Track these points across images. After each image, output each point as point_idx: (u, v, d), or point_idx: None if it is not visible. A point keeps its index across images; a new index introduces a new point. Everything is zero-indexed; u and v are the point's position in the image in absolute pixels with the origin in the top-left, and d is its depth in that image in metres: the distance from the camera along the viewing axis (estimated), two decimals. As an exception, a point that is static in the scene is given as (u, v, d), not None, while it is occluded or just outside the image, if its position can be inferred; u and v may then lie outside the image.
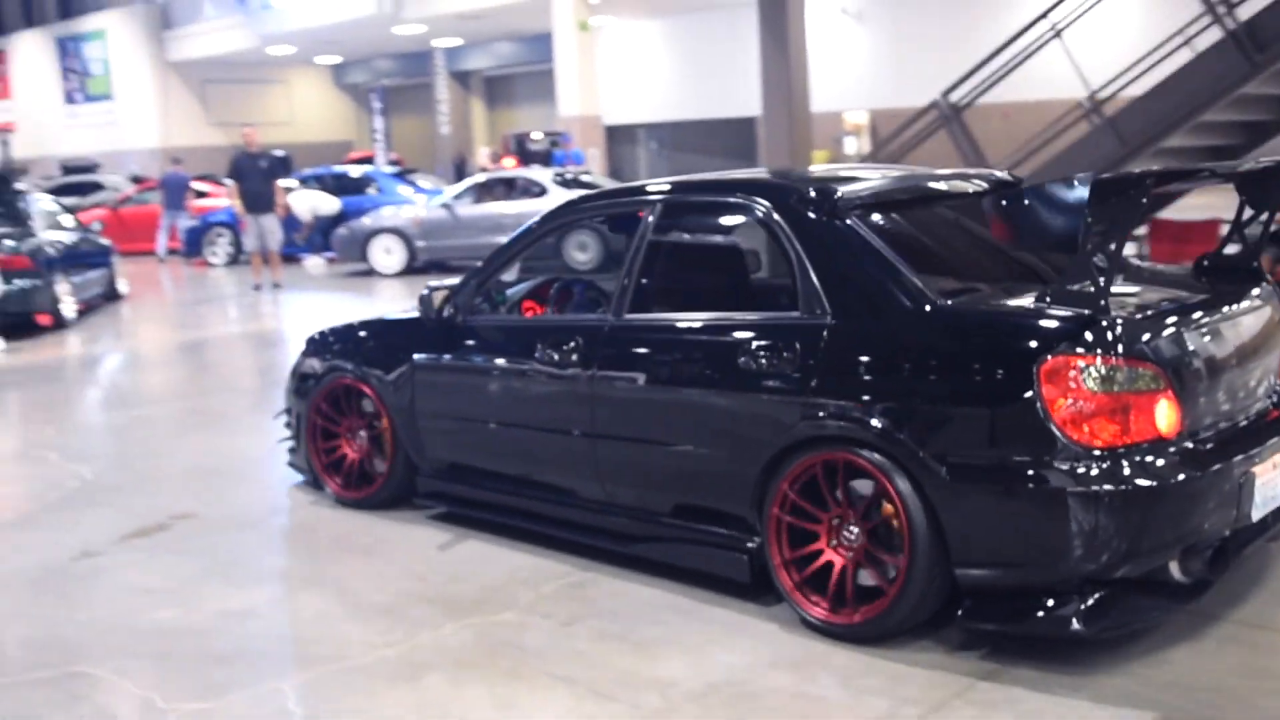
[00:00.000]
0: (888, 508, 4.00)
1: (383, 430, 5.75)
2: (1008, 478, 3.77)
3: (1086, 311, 3.77)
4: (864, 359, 4.10)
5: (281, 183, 19.05)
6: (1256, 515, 4.00)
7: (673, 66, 29.51)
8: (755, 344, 4.32)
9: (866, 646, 4.06)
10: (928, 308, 4.04)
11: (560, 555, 5.04)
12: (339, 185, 19.20)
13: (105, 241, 15.27)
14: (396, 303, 13.15)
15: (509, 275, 5.89)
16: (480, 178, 17.42)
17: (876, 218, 4.42)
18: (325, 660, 4.22)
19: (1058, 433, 3.72)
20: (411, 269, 16.76)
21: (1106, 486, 3.66)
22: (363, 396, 5.83)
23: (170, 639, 4.48)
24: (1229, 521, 3.90)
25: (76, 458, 7.32)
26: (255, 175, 15.58)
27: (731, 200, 4.81)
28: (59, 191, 23.40)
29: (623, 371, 4.75)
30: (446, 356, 5.48)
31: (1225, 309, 4.23)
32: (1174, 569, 3.88)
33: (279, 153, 25.29)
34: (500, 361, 5.28)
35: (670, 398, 4.62)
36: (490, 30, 30.35)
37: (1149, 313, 4.07)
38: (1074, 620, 3.76)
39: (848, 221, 4.33)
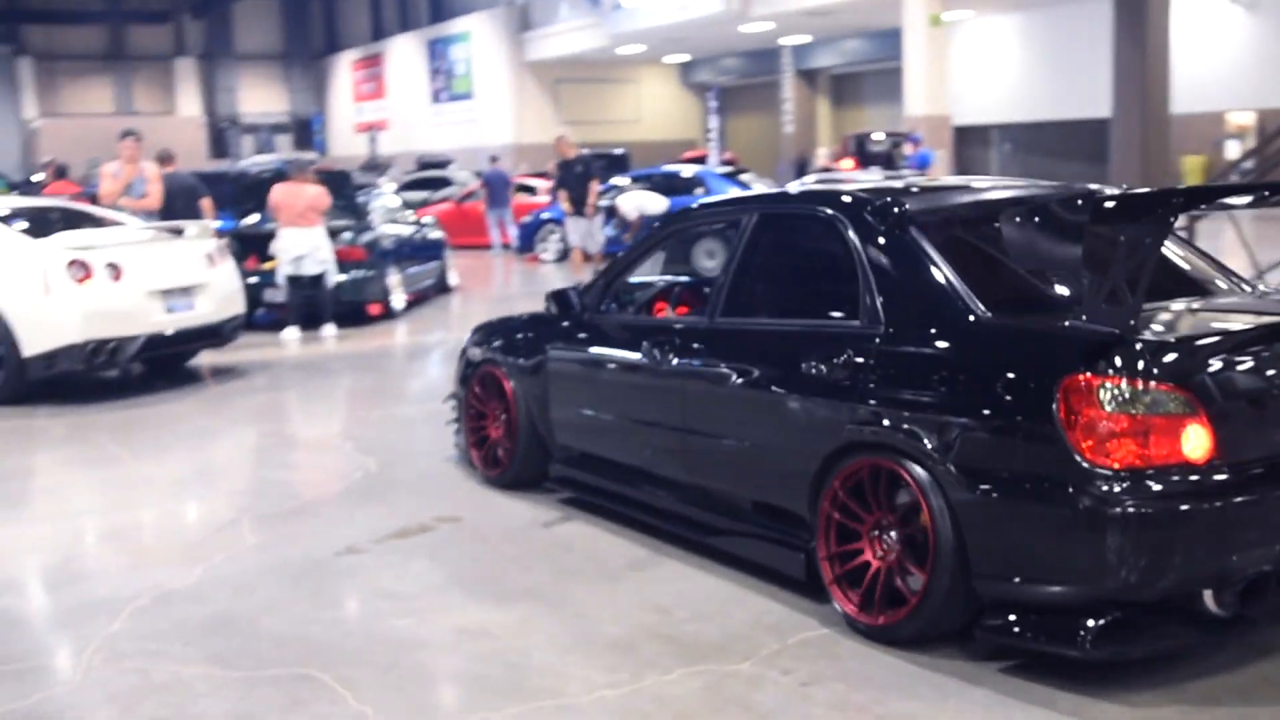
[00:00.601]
0: (924, 516, 4.05)
1: (511, 418, 6.24)
2: (1025, 493, 3.82)
3: (1114, 331, 3.76)
4: (907, 369, 4.24)
5: (616, 180, 19.32)
6: None
7: (1030, 63, 28.07)
8: (818, 350, 4.53)
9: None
10: (971, 320, 4.15)
11: (814, 605, 4.57)
12: (668, 185, 19.20)
13: (439, 235, 15.82)
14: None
15: (636, 276, 6.27)
16: (809, 180, 16.96)
17: (944, 233, 4.51)
18: (541, 694, 3.94)
19: (1075, 451, 3.72)
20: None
21: (1121, 509, 3.64)
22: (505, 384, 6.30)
23: (400, 650, 4.33)
24: (1270, 557, 3.77)
25: (368, 449, 7.43)
26: (572, 179, 16.05)
27: (813, 212, 4.96)
28: (412, 186, 24.68)
29: (709, 370, 5.06)
30: (572, 351, 5.94)
31: None
32: (1208, 599, 3.80)
33: (618, 151, 25.77)
34: (616, 357, 5.68)
35: (745, 397, 4.88)
36: (838, 27, 29.84)
37: (1189, 336, 4.03)
38: (1084, 640, 3.75)
39: (910, 234, 4.46)
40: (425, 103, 43.15)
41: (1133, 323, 3.77)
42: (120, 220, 10.33)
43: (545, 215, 20.00)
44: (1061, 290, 4.29)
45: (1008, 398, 3.90)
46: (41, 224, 9.66)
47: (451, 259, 16.17)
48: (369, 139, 42.48)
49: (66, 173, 15.77)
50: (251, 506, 6.28)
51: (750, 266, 5.17)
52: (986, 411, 3.93)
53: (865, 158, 23.67)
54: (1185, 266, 4.88)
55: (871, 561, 4.27)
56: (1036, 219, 4.55)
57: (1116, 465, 3.69)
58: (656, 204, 18.32)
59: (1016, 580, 3.88)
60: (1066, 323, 3.96)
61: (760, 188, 19.06)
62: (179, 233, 9.89)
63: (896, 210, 4.52)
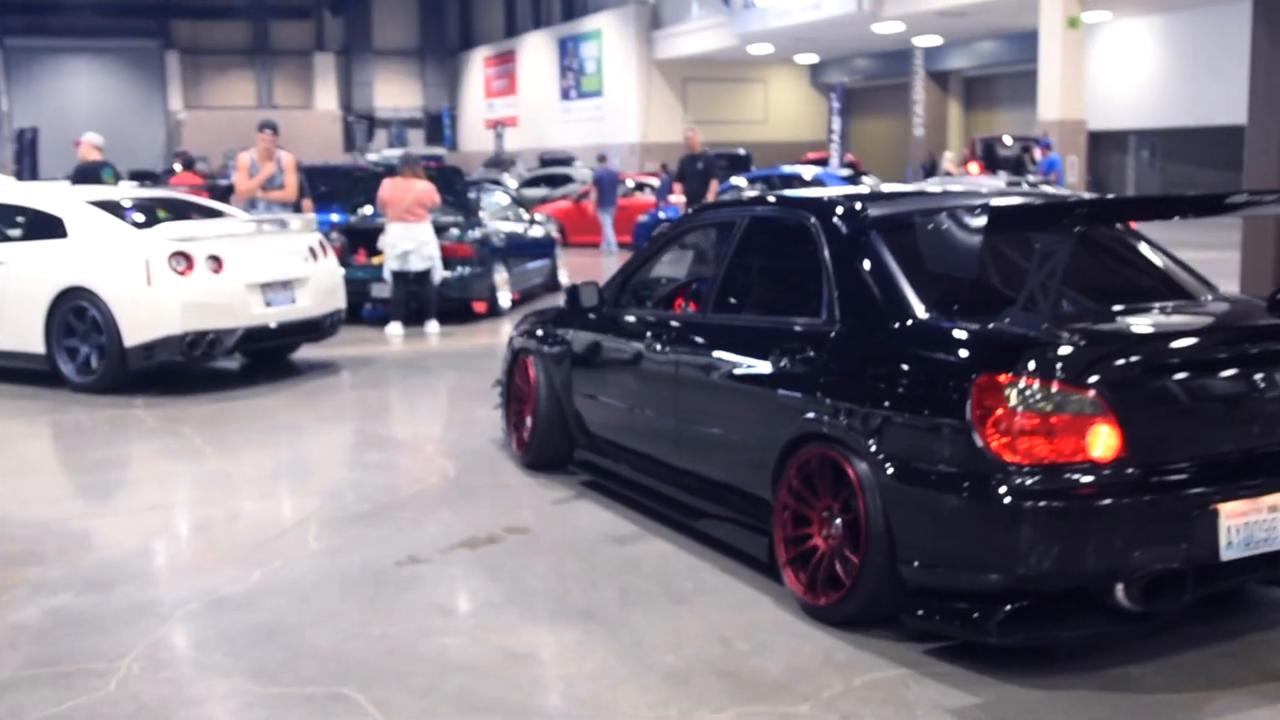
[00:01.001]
0: (859, 504, 4.26)
1: (534, 402, 6.64)
2: (943, 485, 4.00)
3: (1026, 334, 3.97)
4: (852, 365, 4.52)
5: (735, 180, 19.01)
6: (1228, 555, 3.94)
7: (1169, 67, 26.98)
8: (785, 345, 4.82)
9: None
10: (908, 321, 4.41)
11: (888, 643, 4.24)
12: (785, 187, 18.83)
13: (550, 233, 15.69)
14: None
15: (654, 273, 6.62)
16: (929, 184, 16.43)
17: (901, 237, 4.74)
18: (580, 731, 3.69)
19: (986, 447, 3.90)
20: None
21: (1026, 503, 3.80)
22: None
23: (444, 672, 4.12)
24: (1176, 556, 3.89)
25: (450, 452, 7.27)
26: (694, 175, 15.85)
27: (791, 216, 5.24)
28: (534, 183, 24.70)
29: (697, 362, 5.36)
30: (589, 342, 6.30)
31: (1237, 346, 4.23)
32: (1119, 593, 3.94)
33: (740, 151, 25.47)
34: (623, 347, 5.99)
35: (725, 387, 5.15)
36: (972, 28, 29.08)
37: (1101, 340, 4.10)
38: (989, 627, 3.93)
39: (867, 238, 4.71)
40: (554, 100, 43.34)
41: (1045, 326, 3.97)
42: (230, 212, 10.39)
43: (662, 215, 19.76)
44: (1008, 293, 4.42)
45: (931, 395, 4.12)
46: (149, 214, 9.74)
47: (563, 257, 16.02)
48: (495, 135, 42.78)
49: (193, 164, 16.10)
50: (322, 509, 6.15)
51: (739, 266, 5.48)
52: (913, 407, 4.17)
53: (992, 162, 22.96)
54: (1149, 272, 5.04)
55: (819, 545, 4.51)
56: (994, 226, 4.72)
57: (1024, 461, 3.86)
58: None
59: (936, 568, 4.10)
60: (990, 325, 4.16)
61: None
62: (283, 226, 9.89)
63: (856, 214, 4.70)
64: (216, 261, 9.07)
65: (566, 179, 25.18)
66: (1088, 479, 3.85)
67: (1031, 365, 3.89)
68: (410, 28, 52.40)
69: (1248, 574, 4.15)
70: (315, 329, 9.93)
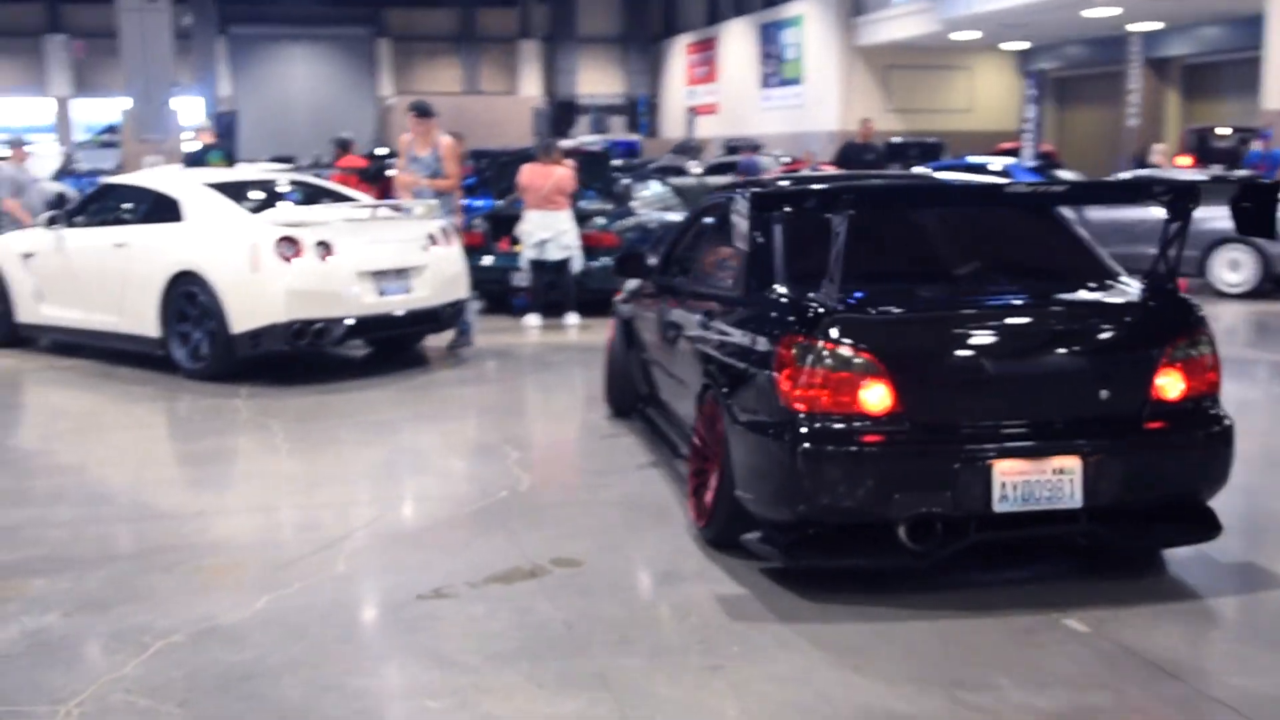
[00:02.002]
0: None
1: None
2: (757, 429, 4.65)
3: (822, 303, 4.56)
4: (734, 326, 5.16)
5: (917, 170, 17.92)
6: (1002, 508, 4.41)
7: None
8: (713, 310, 5.51)
9: None
10: (771, 290, 5.02)
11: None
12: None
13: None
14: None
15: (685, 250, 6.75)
16: (1128, 176, 15.02)
17: (800, 218, 5.12)
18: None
19: (782, 398, 4.51)
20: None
21: (805, 446, 4.40)
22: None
23: (411, 746, 3.49)
24: (940, 502, 4.38)
25: (533, 462, 6.66)
26: (860, 164, 15.29)
27: (730, 200, 5.51)
28: (717, 169, 23.95)
29: (676, 323, 6.07)
30: (632, 308, 7.24)
31: (1031, 324, 4.72)
32: (901, 533, 4.43)
33: (931, 139, 24.17)
34: (651, 313, 6.70)
35: (684, 347, 5.85)
36: (1193, 12, 26.94)
37: (885, 311, 4.61)
38: (779, 550, 4.58)
39: (764, 220, 5.14)
40: (754, 87, 42.46)
41: (837, 297, 4.53)
42: (354, 197, 10.03)
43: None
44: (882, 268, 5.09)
45: (759, 353, 4.78)
46: (266, 199, 9.45)
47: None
48: (686, 122, 42.22)
49: (350, 147, 16.04)
50: (372, 524, 5.61)
51: (707, 242, 6.26)
52: (750, 362, 4.83)
53: (1205, 154, 21.08)
54: (1038, 254, 5.43)
55: (710, 480, 5.13)
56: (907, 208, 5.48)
57: (808, 410, 4.46)
58: None
59: (755, 500, 4.70)
60: (806, 296, 4.71)
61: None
62: (402, 211, 9.47)
63: (759, 200, 4.91)
64: (326, 248, 8.69)
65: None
66: (859, 428, 4.43)
67: (819, 329, 4.48)
68: (614, 15, 52.27)
69: (1031, 528, 4.59)
70: (433, 320, 9.47)
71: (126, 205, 9.78)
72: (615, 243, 12.15)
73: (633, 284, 7.38)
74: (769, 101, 41.57)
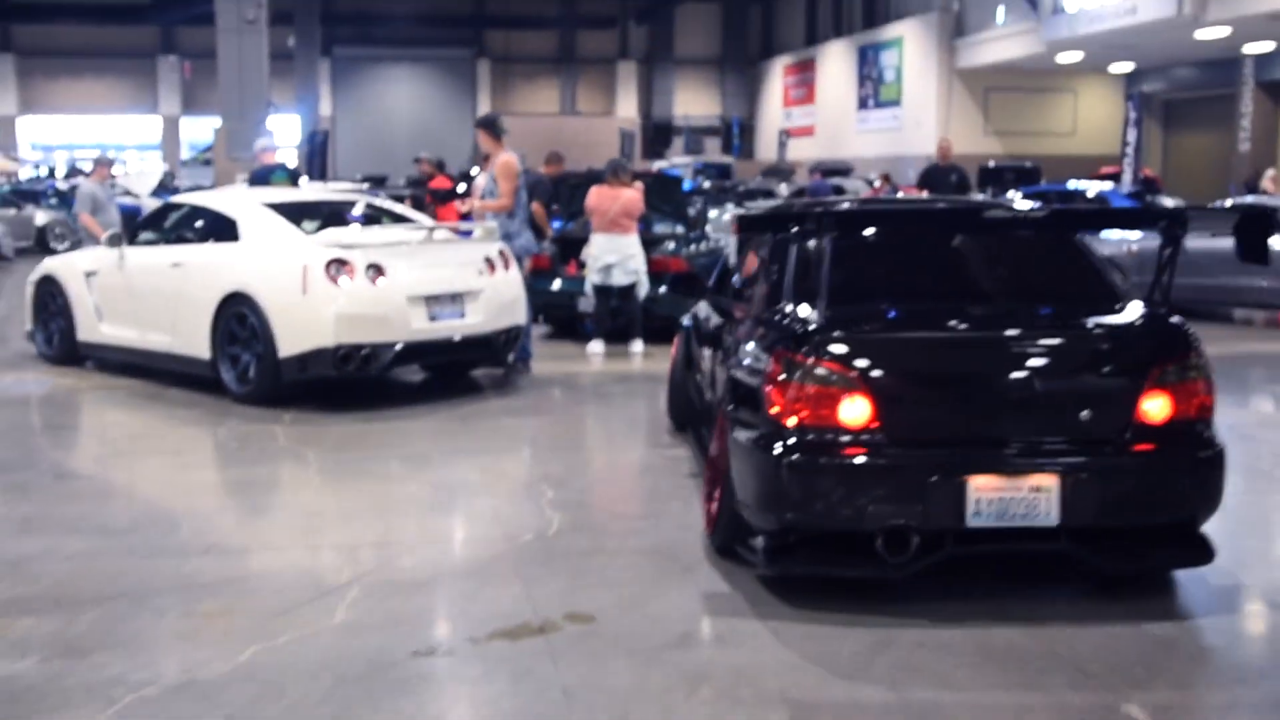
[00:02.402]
0: None
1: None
2: (748, 438, 4.85)
3: (814, 322, 4.83)
4: (744, 344, 5.37)
5: (1010, 195, 17.32)
6: (976, 523, 4.49)
7: None
8: (732, 328, 5.84)
9: None
10: (771, 310, 5.33)
11: None
12: (1234, 214, 16.94)
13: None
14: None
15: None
16: (1229, 204, 14.25)
17: (811, 242, 5.35)
18: None
19: (769, 410, 4.74)
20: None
21: (786, 456, 4.60)
22: None
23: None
24: (913, 515, 4.50)
25: (567, 502, 6.30)
26: (944, 187, 14.94)
27: (759, 225, 5.95)
28: (801, 192, 23.46)
29: (718, 335, 6.33)
30: (687, 325, 7.54)
31: (1006, 347, 4.75)
32: (879, 544, 4.57)
33: (1028, 163, 23.42)
34: (701, 325, 7.02)
35: (712, 363, 6.25)
36: (1311, 34, 25.86)
37: (865, 330, 4.81)
38: (761, 557, 4.80)
39: (779, 243, 5.57)
40: (851, 109, 41.88)
41: (827, 316, 4.79)
42: (416, 218, 9.80)
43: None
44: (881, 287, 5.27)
45: (756, 368, 4.95)
46: (324, 219, 9.27)
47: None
48: (778, 144, 41.76)
49: (444, 167, 15.94)
50: (382, 567, 5.30)
51: (747, 264, 6.45)
52: (750, 377, 5.01)
53: (1314, 181, 20.15)
54: (1047, 275, 5.46)
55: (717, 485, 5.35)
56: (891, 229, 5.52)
57: (792, 423, 4.62)
58: None
59: (749, 509, 4.83)
60: (801, 315, 4.97)
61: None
62: (460, 235, 9.22)
63: (742, 220, 5.50)
64: (377, 271, 8.45)
65: (838, 190, 23.80)
66: (838, 442, 4.59)
67: (802, 346, 4.69)
68: (712, 37, 52.03)
69: (1009, 544, 4.65)
70: (487, 346, 9.17)
71: (186, 225, 9.67)
72: (685, 268, 11.80)
73: (701, 304, 7.46)
74: (865, 124, 40.98)
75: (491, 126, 10.12)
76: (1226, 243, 13.11)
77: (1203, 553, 4.77)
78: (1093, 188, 17.80)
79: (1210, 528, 4.91)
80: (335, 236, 8.53)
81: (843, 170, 28.24)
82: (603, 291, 11.21)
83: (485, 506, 6.30)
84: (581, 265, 11.82)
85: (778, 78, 48.90)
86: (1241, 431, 7.87)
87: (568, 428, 8.53)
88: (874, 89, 40.73)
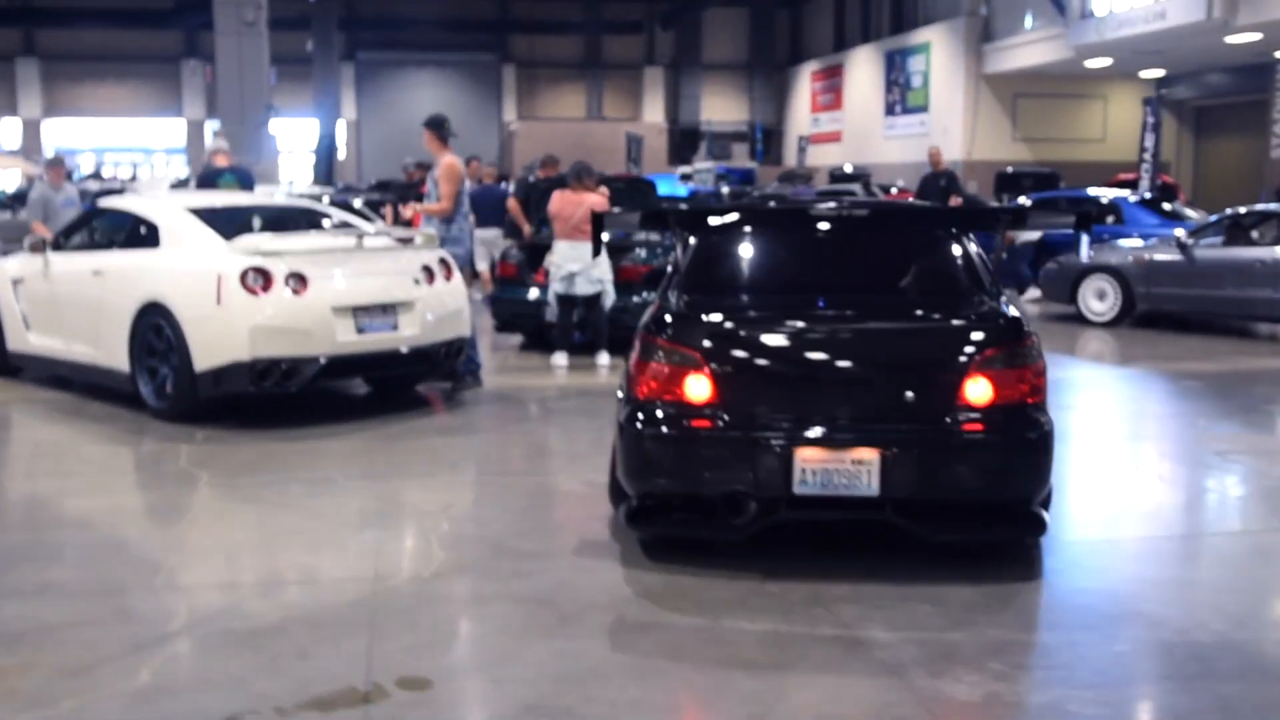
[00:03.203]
0: None
1: None
2: (620, 412, 5.32)
3: (672, 308, 5.35)
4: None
5: (1021, 200, 16.66)
6: (802, 491, 4.95)
7: None
8: None
9: None
10: (668, 300, 5.54)
11: None
12: (1072, 210, 16.16)
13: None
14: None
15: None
16: (1244, 211, 13.45)
17: (717, 236, 5.87)
18: None
19: (632, 386, 5.23)
20: (1127, 319, 13.45)
21: (636, 426, 5.10)
22: None
23: None
24: (744, 482, 4.99)
25: (463, 538, 5.71)
26: (935, 194, 14.95)
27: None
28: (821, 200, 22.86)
29: None
30: None
31: (833, 333, 5.19)
32: (721, 507, 5.11)
33: (1045, 170, 22.66)
34: None
35: None
36: (1345, 37, 24.92)
37: (716, 315, 5.23)
38: (625, 517, 5.28)
39: (687, 238, 5.91)
40: (878, 115, 41.14)
41: (685, 302, 5.39)
42: (359, 225, 9.24)
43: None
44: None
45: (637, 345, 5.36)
46: (251, 225, 8.71)
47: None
48: (797, 149, 41.07)
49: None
50: (219, 615, 4.71)
51: None
52: (635, 354, 5.34)
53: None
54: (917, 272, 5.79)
55: None
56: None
57: (647, 397, 5.15)
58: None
59: (624, 476, 5.27)
60: (670, 301, 5.49)
61: (1197, 218, 15.61)
62: (395, 242, 8.64)
63: (685, 220, 6.02)
64: (300, 280, 7.89)
65: (850, 195, 23.17)
66: (682, 415, 5.02)
67: (656, 327, 5.19)
68: (739, 42, 51.39)
69: (837, 511, 5.08)
70: (424, 360, 8.59)
71: (111, 230, 9.15)
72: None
73: None
74: (893, 130, 40.26)
75: (439, 128, 9.53)
76: (1236, 252, 12.44)
77: (1032, 527, 5.13)
78: (1107, 194, 17.03)
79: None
80: (254, 243, 7.97)
81: (858, 177, 27.53)
82: (566, 301, 10.61)
83: (369, 541, 5.69)
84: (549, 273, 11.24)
85: (805, 83, 48.22)
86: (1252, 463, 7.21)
87: (499, 449, 7.90)
88: (901, 95, 40.01)
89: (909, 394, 5.02)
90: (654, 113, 51.41)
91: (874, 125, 41.27)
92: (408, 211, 10.32)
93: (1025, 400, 5.04)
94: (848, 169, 32.36)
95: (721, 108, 51.14)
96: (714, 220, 5.83)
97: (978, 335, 5.08)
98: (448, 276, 8.77)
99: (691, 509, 5.16)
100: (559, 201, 10.47)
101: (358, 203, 17.45)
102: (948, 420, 4.97)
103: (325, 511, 6.19)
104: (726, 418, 5.01)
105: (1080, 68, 31.75)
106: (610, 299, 10.61)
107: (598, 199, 10.45)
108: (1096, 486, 6.93)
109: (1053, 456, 5.09)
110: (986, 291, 5.53)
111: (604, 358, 10.58)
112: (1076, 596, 4.97)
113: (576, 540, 5.64)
